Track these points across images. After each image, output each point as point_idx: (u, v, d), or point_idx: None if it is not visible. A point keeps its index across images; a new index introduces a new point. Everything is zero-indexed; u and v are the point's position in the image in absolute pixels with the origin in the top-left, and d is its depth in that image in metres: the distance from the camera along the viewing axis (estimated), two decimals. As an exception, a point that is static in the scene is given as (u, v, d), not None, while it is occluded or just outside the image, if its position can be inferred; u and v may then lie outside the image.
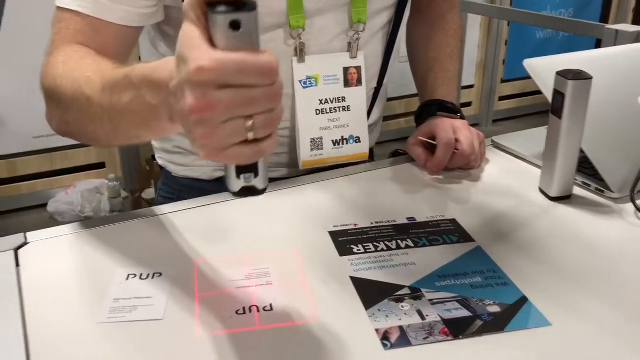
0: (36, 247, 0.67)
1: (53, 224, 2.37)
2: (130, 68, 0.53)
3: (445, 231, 0.70)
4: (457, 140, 0.82)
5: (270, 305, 0.57)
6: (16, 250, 0.66)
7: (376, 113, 0.96)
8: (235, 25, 0.42)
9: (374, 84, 0.91)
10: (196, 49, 0.43)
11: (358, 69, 0.84)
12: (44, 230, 0.70)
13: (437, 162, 0.82)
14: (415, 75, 1.00)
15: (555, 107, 0.74)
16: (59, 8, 0.70)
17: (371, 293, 0.59)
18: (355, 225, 0.71)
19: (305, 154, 0.84)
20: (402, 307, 0.57)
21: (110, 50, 0.70)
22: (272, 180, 0.86)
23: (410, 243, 0.67)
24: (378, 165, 0.89)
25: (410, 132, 0.91)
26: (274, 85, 0.44)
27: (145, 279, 0.61)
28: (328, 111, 0.84)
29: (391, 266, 0.63)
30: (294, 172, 0.87)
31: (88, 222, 0.72)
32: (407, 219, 0.72)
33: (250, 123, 0.43)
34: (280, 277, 0.61)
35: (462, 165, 0.85)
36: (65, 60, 0.66)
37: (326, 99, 0.84)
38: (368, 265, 0.63)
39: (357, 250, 0.66)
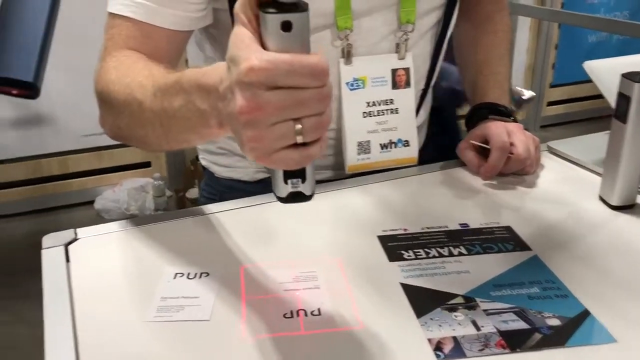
0: (86, 243, 0.67)
1: (100, 220, 2.41)
2: (181, 73, 0.53)
3: (500, 239, 0.67)
4: (511, 144, 0.79)
5: (318, 309, 0.56)
6: (66, 245, 0.66)
7: (423, 114, 0.93)
8: (286, 26, 0.42)
9: (422, 85, 0.88)
10: (247, 49, 0.42)
11: (406, 70, 0.82)
12: (93, 227, 0.70)
13: (490, 166, 0.79)
14: (464, 78, 0.98)
15: (620, 111, 0.70)
16: (110, 14, 0.71)
17: (423, 301, 0.57)
18: (405, 230, 0.69)
19: (352, 158, 0.82)
20: (456, 316, 0.54)
21: (161, 54, 0.70)
22: (317, 182, 0.84)
23: (463, 250, 0.65)
24: (427, 169, 0.86)
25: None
26: (324, 88, 0.43)
27: (193, 278, 0.60)
28: (376, 114, 0.82)
29: (443, 273, 0.61)
30: (340, 175, 0.86)
31: (136, 219, 0.72)
32: (460, 225, 0.70)
33: (299, 126, 0.43)
34: (328, 281, 0.60)
35: (516, 171, 0.81)
36: (117, 66, 0.66)
37: (374, 102, 0.82)
38: (419, 272, 0.61)
39: (408, 256, 0.64)
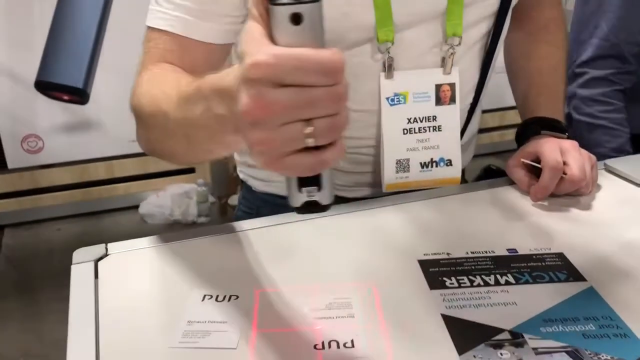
0: (116, 259, 0.66)
1: (144, 225, 2.45)
2: (202, 79, 0.50)
3: (551, 267, 0.62)
4: (565, 164, 0.74)
5: (351, 341, 0.52)
6: (96, 261, 0.65)
7: (470, 131, 0.88)
8: (296, 19, 0.38)
9: (469, 100, 0.83)
10: (255, 44, 0.39)
11: (452, 85, 0.77)
12: (124, 242, 0.69)
13: (542, 187, 0.74)
14: (515, 91, 0.92)
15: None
16: (149, 28, 0.70)
17: (465, 335, 0.52)
18: (447, 254, 0.64)
19: (390, 176, 0.78)
20: (502, 354, 0.50)
21: (200, 68, 0.68)
22: (352, 200, 0.81)
23: (510, 279, 0.60)
24: (472, 187, 0.81)
25: (504, 146, 0.84)
26: (338, 86, 0.39)
27: (221, 301, 0.58)
28: (417, 131, 0.77)
29: (489, 305, 0.56)
30: (377, 193, 0.81)
31: (168, 235, 0.70)
32: (508, 250, 0.65)
33: (310, 128, 0.39)
34: (364, 309, 0.56)
35: (570, 192, 0.76)
36: (150, 78, 0.65)
37: (415, 118, 0.77)
38: (462, 302, 0.57)
39: (450, 283, 0.59)
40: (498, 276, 0.60)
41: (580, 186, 0.75)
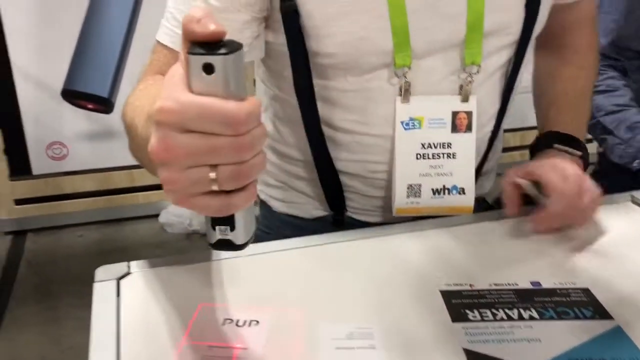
0: (138, 278, 0.66)
1: (163, 234, 2.46)
2: None
3: (576, 302, 0.61)
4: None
5: (372, 374, 0.52)
6: (118, 280, 0.65)
7: (492, 160, 0.87)
8: (208, 69, 0.39)
9: (490, 128, 0.81)
10: (170, 87, 0.40)
11: (469, 114, 0.76)
12: (146, 261, 0.69)
13: (542, 219, 0.73)
14: (538, 111, 0.90)
15: None
16: (156, 40, 0.72)
17: (488, 372, 0.52)
18: (470, 285, 0.64)
19: (401, 201, 0.78)
20: (525, 395, 0.49)
21: None
22: (365, 225, 0.80)
23: (534, 314, 0.59)
24: (490, 216, 0.80)
25: None
26: (242, 137, 0.39)
27: (242, 326, 0.58)
28: (430, 157, 0.77)
29: (512, 340, 0.55)
30: (389, 218, 0.81)
31: (190, 256, 0.70)
32: (531, 283, 0.64)
33: (213, 174, 0.40)
34: (385, 339, 0.56)
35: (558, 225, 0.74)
36: (142, 89, 0.66)
37: (429, 144, 0.77)
38: (485, 337, 0.56)
39: (473, 317, 0.59)
40: (522, 310, 0.59)
41: (556, 224, 0.73)
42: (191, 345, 0.55)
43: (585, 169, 0.80)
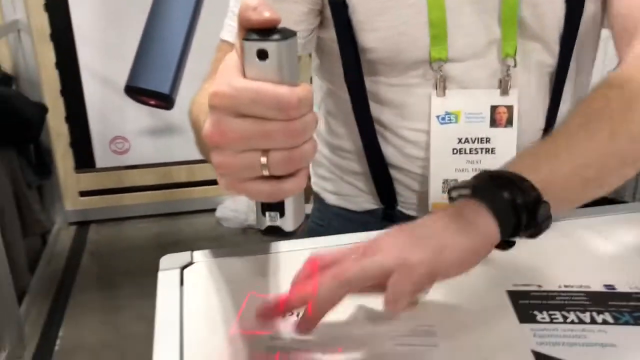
0: (201, 267, 0.67)
1: (219, 228, 2.51)
2: None
3: (654, 308, 0.57)
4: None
5: (436, 372, 0.50)
6: (182, 269, 0.66)
7: None
8: (262, 55, 0.40)
9: (540, 125, 0.78)
10: (225, 73, 0.41)
11: (509, 108, 0.74)
12: (209, 251, 0.70)
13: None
14: None
15: None
16: (220, 39, 0.74)
17: (559, 376, 0.49)
18: (539, 286, 0.61)
19: (436, 196, 0.76)
20: (599, 401, 0.47)
21: None
22: (415, 219, 0.79)
23: (608, 318, 0.56)
24: (558, 216, 0.76)
25: None
26: (294, 122, 0.39)
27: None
28: (467, 152, 0.75)
29: (584, 344, 0.53)
30: (424, 213, 0.79)
31: (250, 248, 0.70)
32: (605, 286, 0.61)
33: (264, 159, 0.40)
34: (448, 338, 0.54)
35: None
36: (207, 87, 0.67)
37: (467, 139, 0.74)
38: (555, 340, 0.53)
39: (542, 318, 0.56)
40: (594, 314, 0.57)
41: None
42: (241, 334, 0.55)
43: (503, 220, 0.51)
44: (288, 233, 0.45)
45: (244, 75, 0.41)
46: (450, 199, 0.55)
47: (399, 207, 0.83)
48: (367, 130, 0.78)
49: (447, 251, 0.49)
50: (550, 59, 0.75)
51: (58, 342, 1.91)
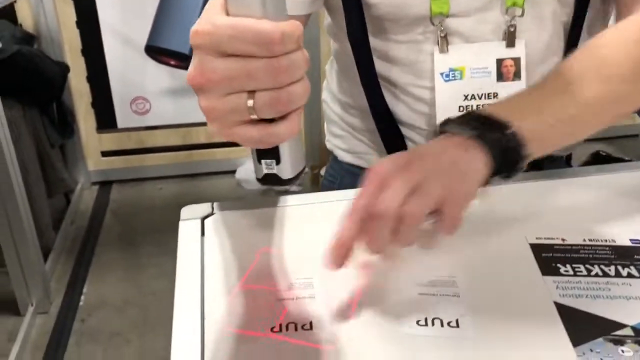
0: (221, 218, 0.67)
1: (239, 189, 2.52)
2: None
3: (681, 263, 0.56)
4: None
5: (457, 321, 0.50)
6: (203, 219, 0.67)
7: None
8: None
9: None
10: (209, 13, 0.39)
11: (516, 60, 0.70)
12: (229, 202, 0.70)
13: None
14: None
15: None
16: None
17: (581, 327, 0.49)
18: (562, 240, 0.60)
19: None
20: (623, 351, 0.46)
21: None
22: None
23: (634, 271, 0.55)
24: (580, 172, 0.74)
25: (614, 132, 0.74)
26: (278, 59, 0.37)
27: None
28: (474, 108, 0.72)
29: (608, 297, 0.52)
30: None
31: (271, 199, 0.70)
32: (631, 240, 0.60)
33: (251, 101, 0.38)
34: (469, 289, 0.54)
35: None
36: None
37: (473, 95, 0.72)
38: (578, 292, 0.53)
39: (565, 271, 0.56)
40: (619, 267, 0.56)
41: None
42: (250, 289, 0.56)
43: (495, 162, 0.53)
44: (286, 181, 0.44)
45: (227, 14, 0.39)
46: (442, 132, 0.56)
47: None
48: (372, 88, 0.77)
49: (469, 180, 0.51)
50: (565, 9, 0.71)
51: (82, 298, 1.95)
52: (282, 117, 0.40)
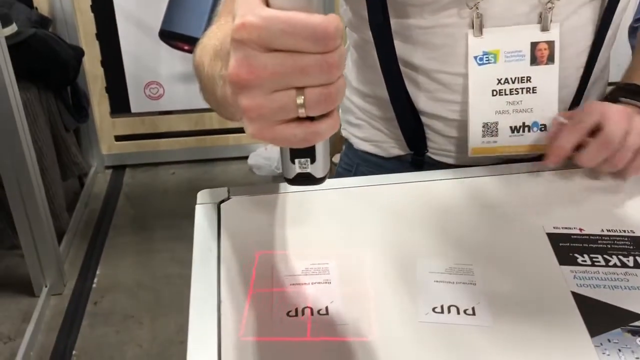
0: (237, 202, 0.67)
1: (251, 176, 2.52)
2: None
3: (701, 255, 0.56)
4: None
5: (473, 309, 0.50)
6: (219, 204, 0.67)
7: (590, 99, 0.79)
8: None
9: (581, 62, 0.74)
10: (247, 5, 0.36)
11: (550, 44, 0.70)
12: (245, 187, 0.70)
13: (558, 147, 0.67)
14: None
15: None
16: None
17: (599, 317, 0.49)
18: (580, 230, 0.60)
19: (476, 140, 0.73)
20: (640, 343, 0.46)
21: None
22: (444, 166, 0.77)
23: (653, 263, 0.55)
24: None
25: None
26: (330, 54, 0.36)
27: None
28: (507, 92, 0.71)
29: (626, 287, 0.52)
30: (468, 160, 0.77)
31: (285, 186, 0.70)
32: (650, 231, 0.59)
33: (301, 97, 0.36)
34: (485, 278, 0.54)
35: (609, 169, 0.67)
36: (214, 29, 0.61)
37: (506, 79, 0.71)
38: (596, 282, 0.53)
39: (582, 261, 0.55)
40: (638, 258, 0.55)
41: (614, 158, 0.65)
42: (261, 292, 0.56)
43: None
44: (317, 180, 0.43)
45: (268, 5, 0.37)
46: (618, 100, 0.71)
47: (428, 154, 0.82)
48: (393, 76, 0.76)
49: None
50: None
51: (95, 280, 1.97)
52: (325, 114, 0.38)
